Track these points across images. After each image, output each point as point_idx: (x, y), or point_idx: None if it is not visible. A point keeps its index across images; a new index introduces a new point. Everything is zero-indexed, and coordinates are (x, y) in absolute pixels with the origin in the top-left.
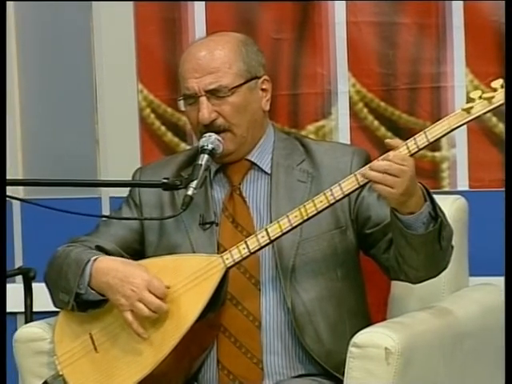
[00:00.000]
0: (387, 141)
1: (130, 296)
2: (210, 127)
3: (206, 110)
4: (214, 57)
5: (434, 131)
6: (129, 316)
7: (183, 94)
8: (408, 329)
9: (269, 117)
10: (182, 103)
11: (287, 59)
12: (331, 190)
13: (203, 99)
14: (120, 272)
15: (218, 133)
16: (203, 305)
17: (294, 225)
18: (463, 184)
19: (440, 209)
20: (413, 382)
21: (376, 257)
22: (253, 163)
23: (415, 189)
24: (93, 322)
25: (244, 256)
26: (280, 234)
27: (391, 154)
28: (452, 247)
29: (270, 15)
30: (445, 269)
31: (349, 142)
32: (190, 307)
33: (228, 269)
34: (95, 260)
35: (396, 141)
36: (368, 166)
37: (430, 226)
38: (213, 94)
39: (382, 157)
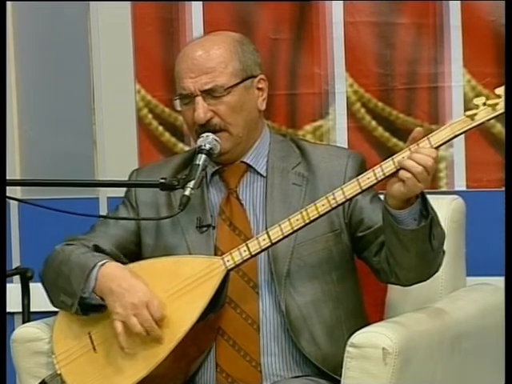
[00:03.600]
0: (419, 129)
1: (128, 308)
2: (205, 127)
3: (202, 109)
4: (209, 57)
5: (437, 137)
6: (119, 326)
7: (179, 94)
8: (406, 329)
9: (266, 117)
10: (177, 103)
11: (285, 59)
12: (333, 193)
13: (199, 99)
14: (126, 282)
15: (213, 132)
16: (204, 306)
17: (295, 228)
18: (461, 184)
19: (432, 207)
20: (410, 382)
21: (367, 259)
22: (249, 166)
23: None
24: (92, 322)
25: (245, 258)
26: (281, 237)
27: (427, 149)
28: (443, 252)
29: (267, 15)
30: (436, 272)
31: (346, 142)
32: (190, 308)
33: (229, 271)
34: (102, 265)
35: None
36: (406, 155)
37: (421, 223)
38: (208, 93)
39: (413, 148)
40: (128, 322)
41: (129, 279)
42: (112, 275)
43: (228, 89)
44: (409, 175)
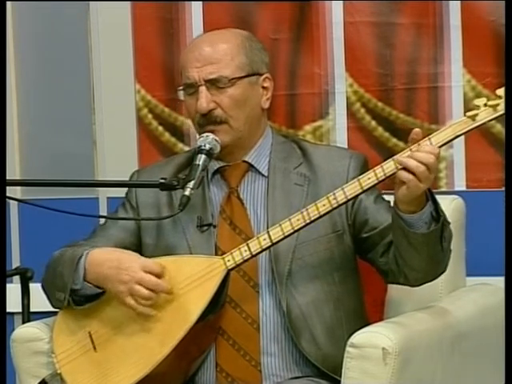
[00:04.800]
0: (417, 130)
1: (127, 281)
2: (207, 118)
3: (205, 99)
4: (216, 48)
5: (438, 138)
6: (130, 300)
7: (183, 84)
8: (406, 329)
9: (267, 117)
10: (181, 93)
11: (285, 59)
12: (334, 194)
13: (202, 88)
14: (114, 261)
15: (214, 124)
16: (204, 306)
17: (295, 228)
18: (461, 184)
19: (442, 209)
20: (410, 382)
21: (373, 261)
22: (250, 165)
23: None
24: (92, 321)
25: (245, 258)
26: (282, 236)
27: (429, 147)
28: (450, 251)
29: (267, 15)
30: (444, 272)
31: (346, 143)
32: (190, 308)
33: (229, 271)
34: (88, 253)
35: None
36: (407, 155)
37: (432, 226)
38: (213, 83)
39: (414, 148)
40: (134, 292)
41: (115, 257)
42: (98, 260)
43: (232, 80)
44: (411, 177)
